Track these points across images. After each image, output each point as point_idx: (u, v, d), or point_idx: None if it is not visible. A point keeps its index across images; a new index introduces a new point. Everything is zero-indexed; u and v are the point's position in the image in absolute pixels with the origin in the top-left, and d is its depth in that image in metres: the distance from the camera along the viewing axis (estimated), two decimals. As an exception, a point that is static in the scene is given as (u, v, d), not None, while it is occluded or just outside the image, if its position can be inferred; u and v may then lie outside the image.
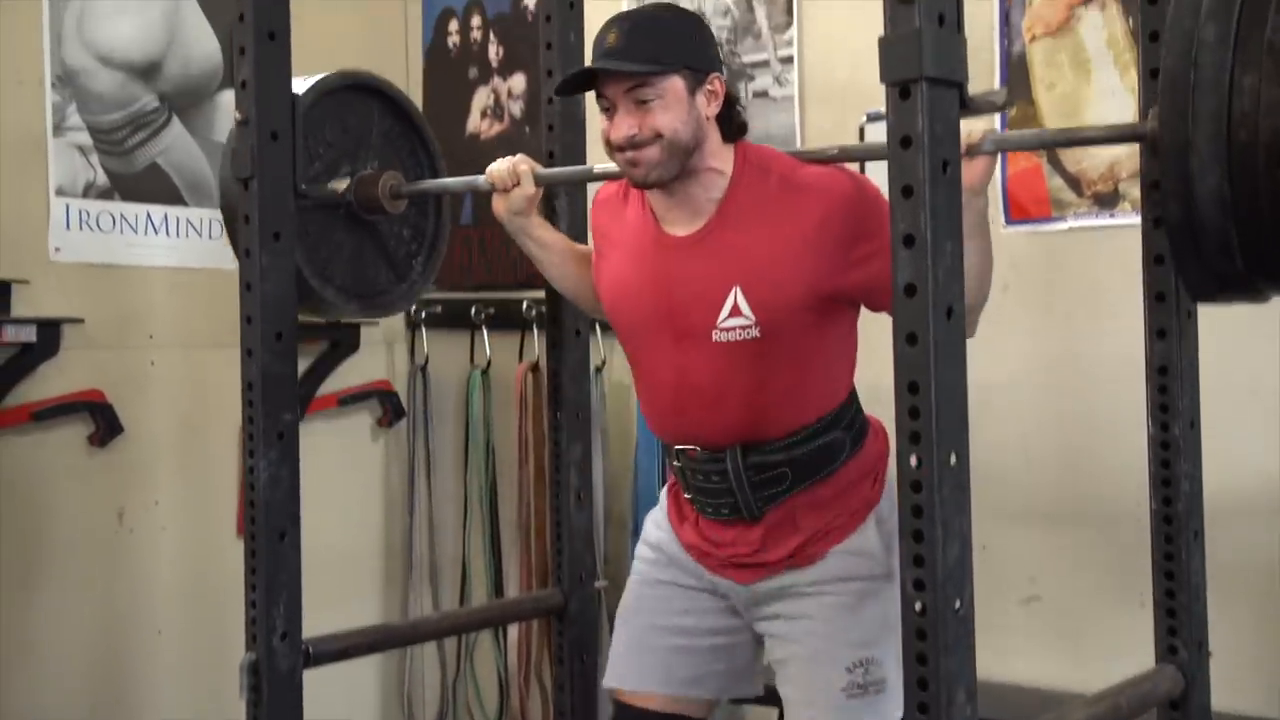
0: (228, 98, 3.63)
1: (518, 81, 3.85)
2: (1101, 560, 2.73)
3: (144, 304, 3.49)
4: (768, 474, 2.01)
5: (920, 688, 1.41)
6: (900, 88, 1.40)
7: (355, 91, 2.49)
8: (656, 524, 2.23)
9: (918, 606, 1.41)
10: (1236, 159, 1.43)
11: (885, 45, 1.41)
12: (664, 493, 2.26)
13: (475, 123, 3.94)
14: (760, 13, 3.24)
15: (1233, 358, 2.39)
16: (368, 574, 4.06)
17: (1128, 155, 2.64)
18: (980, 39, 2.79)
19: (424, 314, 3.98)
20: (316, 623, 2.26)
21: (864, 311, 2.02)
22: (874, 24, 3.06)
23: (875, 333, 1.97)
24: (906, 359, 1.40)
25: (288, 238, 2.22)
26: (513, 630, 3.69)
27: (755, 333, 1.94)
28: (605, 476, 3.50)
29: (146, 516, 3.48)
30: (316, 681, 2.25)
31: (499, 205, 2.26)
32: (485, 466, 3.85)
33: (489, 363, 3.83)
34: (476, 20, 3.94)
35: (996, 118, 2.79)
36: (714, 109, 1.97)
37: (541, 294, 3.62)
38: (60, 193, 3.33)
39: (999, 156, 2.04)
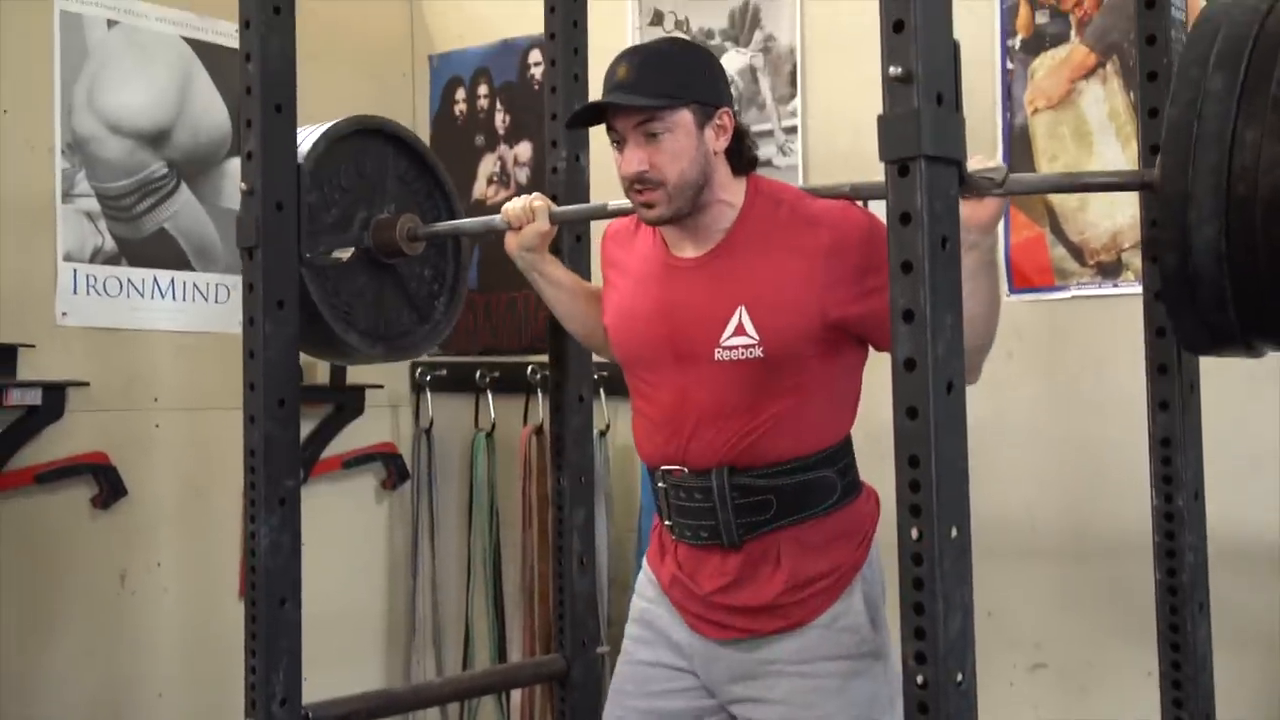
0: (236, 165, 3.67)
1: (524, 149, 3.88)
2: (1108, 627, 2.71)
3: (149, 367, 3.50)
4: (752, 499, 1.98)
5: (923, 764, 1.39)
6: (899, 166, 1.41)
7: (367, 136, 2.50)
8: (642, 588, 2.20)
9: (919, 680, 1.40)
10: (1234, 212, 1.44)
11: (884, 124, 1.43)
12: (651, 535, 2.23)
13: (482, 189, 3.97)
14: (765, 84, 3.28)
15: (1233, 426, 2.39)
16: (371, 636, 4.04)
17: (1130, 225, 2.66)
18: (983, 111, 2.82)
19: (429, 377, 3.99)
20: (319, 684, 2.26)
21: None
22: (875, 96, 3.10)
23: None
24: (907, 432, 1.41)
25: (291, 306, 2.23)
26: (515, 694, 3.67)
27: (758, 353, 1.93)
28: (609, 540, 3.50)
29: (149, 578, 3.48)
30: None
31: (511, 241, 2.28)
32: (489, 529, 3.84)
33: (493, 426, 3.84)
34: (483, 89, 3.98)
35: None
36: (722, 143, 1.98)
37: (546, 358, 3.66)
38: (68, 258, 3.35)
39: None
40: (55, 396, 3.26)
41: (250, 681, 2.18)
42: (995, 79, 2.85)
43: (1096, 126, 2.70)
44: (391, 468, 4.02)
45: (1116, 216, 2.68)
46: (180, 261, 3.57)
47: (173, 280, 3.56)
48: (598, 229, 2.47)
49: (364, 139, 2.49)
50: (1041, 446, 2.76)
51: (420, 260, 2.56)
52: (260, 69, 2.19)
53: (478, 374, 3.85)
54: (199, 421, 3.57)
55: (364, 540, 4.02)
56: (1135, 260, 2.66)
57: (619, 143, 1.99)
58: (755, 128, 3.28)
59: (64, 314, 3.34)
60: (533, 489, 3.68)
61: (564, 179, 2.56)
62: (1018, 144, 2.81)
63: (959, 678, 1.41)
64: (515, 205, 2.28)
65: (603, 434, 3.48)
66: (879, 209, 1.95)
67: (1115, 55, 2.70)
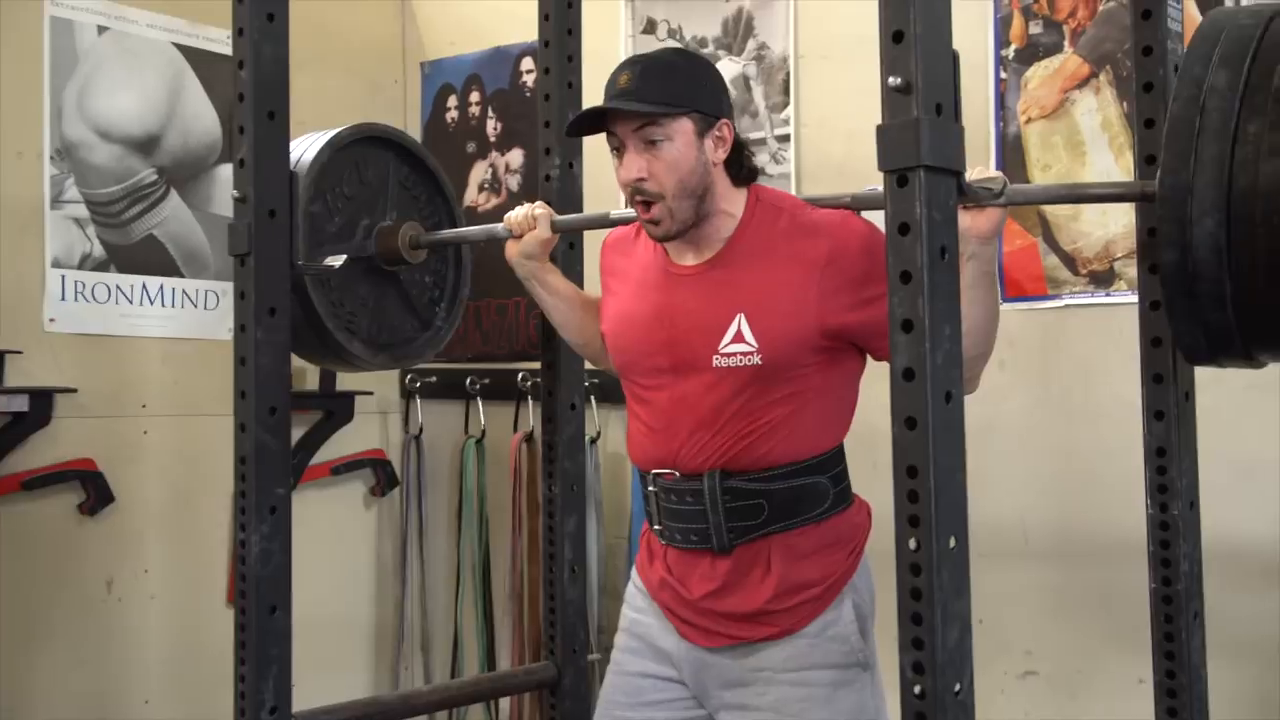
0: (226, 171, 3.66)
1: (515, 156, 3.88)
2: (1099, 636, 2.72)
3: (138, 374, 3.49)
4: (744, 503, 1.98)
5: (921, 774, 1.39)
6: (898, 176, 1.41)
7: (370, 143, 2.51)
8: (631, 597, 2.20)
9: (917, 690, 1.39)
10: (1236, 205, 1.43)
11: (883, 134, 1.42)
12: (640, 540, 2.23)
13: (473, 196, 3.96)
14: (758, 93, 3.28)
15: (1227, 436, 2.39)
16: (359, 643, 4.03)
17: (1122, 235, 2.66)
18: (976, 120, 2.83)
19: (419, 384, 3.98)
20: (306, 691, 2.24)
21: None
22: (868, 104, 3.09)
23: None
24: (905, 443, 1.40)
25: (283, 313, 2.22)
26: (504, 702, 3.65)
27: (757, 360, 1.93)
28: (600, 548, 3.49)
29: (136, 585, 3.46)
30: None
31: (512, 249, 2.29)
32: (479, 536, 3.83)
33: (483, 432, 3.83)
34: (475, 96, 3.98)
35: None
36: (722, 154, 1.99)
37: (536, 365, 3.65)
38: (56, 264, 3.34)
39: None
40: (43, 403, 3.24)
41: (240, 690, 2.17)
42: (988, 88, 2.85)
43: (1089, 136, 2.71)
44: (381, 474, 4.01)
45: (1109, 226, 2.69)
46: (169, 268, 3.56)
47: (161, 286, 3.54)
48: (591, 238, 2.47)
49: (366, 146, 2.50)
50: (1033, 454, 2.76)
51: (421, 267, 2.56)
52: (253, 76, 2.18)
53: (468, 381, 3.84)
54: (187, 428, 3.56)
55: (353, 547, 4.01)
56: (1128, 269, 2.66)
57: (618, 149, 1.99)
58: (748, 136, 3.28)
59: (52, 320, 3.33)
60: (522, 496, 3.67)
61: (557, 187, 2.55)
62: (1010, 153, 2.81)
63: (957, 688, 1.40)
64: (517, 213, 2.29)
65: (593, 441, 3.48)
66: (879, 219, 1.97)
67: (1108, 66, 2.70)
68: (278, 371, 2.21)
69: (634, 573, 2.20)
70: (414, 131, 4.14)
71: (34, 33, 3.31)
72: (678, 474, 2.02)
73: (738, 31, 3.31)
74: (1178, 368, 1.87)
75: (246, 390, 2.19)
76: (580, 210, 2.58)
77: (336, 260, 2.40)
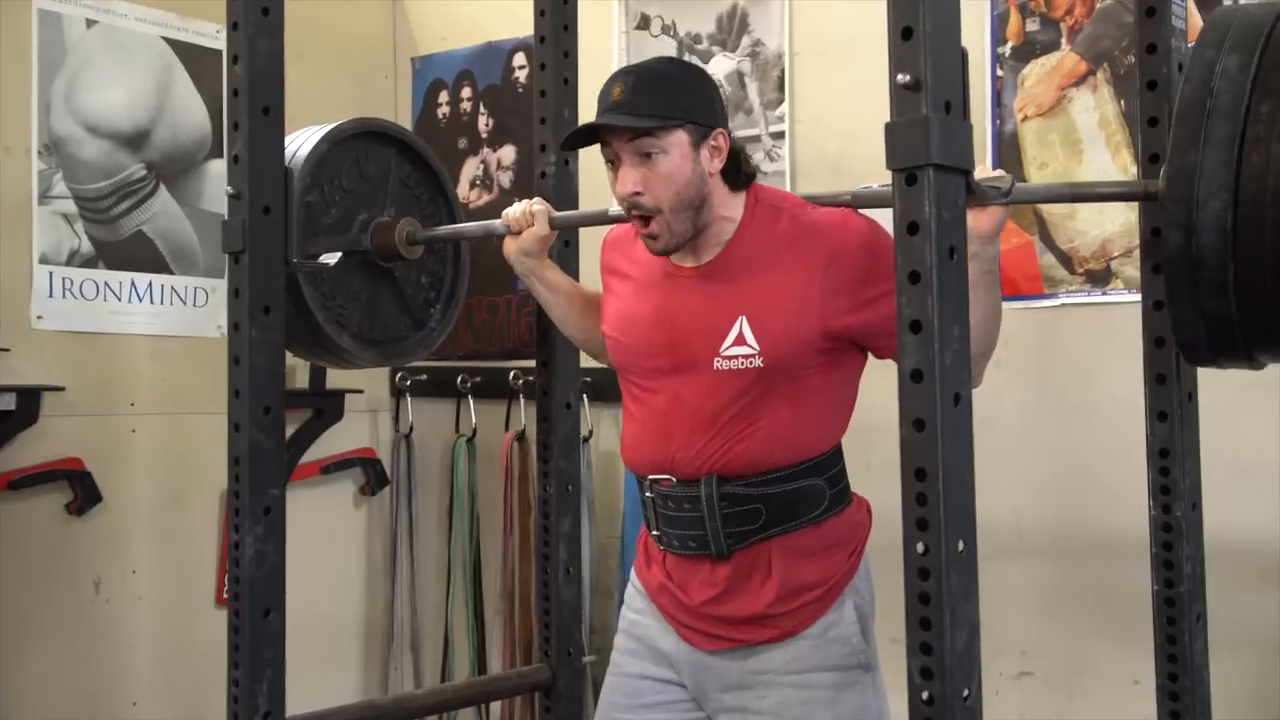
0: (216, 167, 3.63)
1: (507, 153, 3.86)
2: (1096, 636, 2.71)
3: (126, 372, 3.46)
4: (741, 508, 1.97)
5: (929, 779, 1.38)
6: (907, 174, 1.40)
7: (372, 139, 2.49)
8: (630, 599, 2.18)
9: (925, 695, 1.38)
10: (1245, 184, 1.41)
11: (892, 132, 1.41)
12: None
13: (465, 192, 3.94)
14: (752, 89, 3.27)
15: (1226, 434, 2.39)
16: (348, 643, 4.00)
17: (1119, 233, 2.66)
18: (972, 118, 2.82)
19: (409, 382, 3.96)
20: (295, 692, 2.22)
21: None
22: (864, 101, 3.09)
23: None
24: (913, 445, 1.39)
25: (277, 312, 2.20)
26: (495, 703, 3.64)
27: (758, 363, 1.92)
28: (592, 547, 3.48)
29: (123, 586, 3.44)
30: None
31: (510, 246, 2.27)
32: (470, 536, 3.81)
33: (474, 431, 3.81)
34: (467, 91, 3.96)
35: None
36: (718, 164, 1.97)
37: (528, 363, 3.63)
38: (44, 260, 3.31)
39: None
40: (30, 401, 3.21)
41: (233, 693, 2.15)
42: (985, 86, 2.84)
43: (1086, 134, 2.70)
44: (371, 473, 3.99)
45: (1106, 225, 2.68)
46: (158, 264, 3.53)
47: (150, 283, 3.51)
48: (586, 234, 2.45)
49: (368, 141, 2.48)
50: (1029, 453, 2.75)
51: (418, 267, 2.55)
52: (248, 71, 2.16)
53: (459, 379, 3.82)
54: (176, 426, 3.53)
55: (342, 546, 3.99)
56: (1124, 268, 2.66)
57: (613, 162, 1.97)
58: (742, 133, 3.27)
59: (39, 317, 3.30)
60: (514, 495, 3.65)
61: (553, 184, 2.54)
62: (1007, 151, 2.80)
63: (965, 693, 1.39)
64: (515, 210, 2.27)
65: (586, 440, 3.46)
66: (879, 216, 1.96)
67: (1106, 63, 2.70)
68: (272, 370, 2.19)
69: (633, 574, 2.19)
70: (405, 127, 4.12)
71: (22, 26, 3.28)
72: (674, 479, 2.01)
73: (732, 28, 3.30)
74: (1180, 368, 1.86)
75: (241, 389, 2.18)
76: (576, 208, 2.57)
77: (331, 258, 2.39)
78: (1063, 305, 2.75)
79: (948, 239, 1.40)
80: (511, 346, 3.77)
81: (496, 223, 2.31)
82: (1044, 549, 2.75)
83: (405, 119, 4.11)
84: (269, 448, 2.18)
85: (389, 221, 2.46)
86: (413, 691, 3.59)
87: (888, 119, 1.42)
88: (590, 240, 2.37)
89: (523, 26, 2.57)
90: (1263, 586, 2.49)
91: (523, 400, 3.65)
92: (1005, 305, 2.78)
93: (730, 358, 1.94)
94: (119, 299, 3.45)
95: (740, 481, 1.96)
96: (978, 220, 1.73)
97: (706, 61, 3.34)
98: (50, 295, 3.32)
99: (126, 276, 3.47)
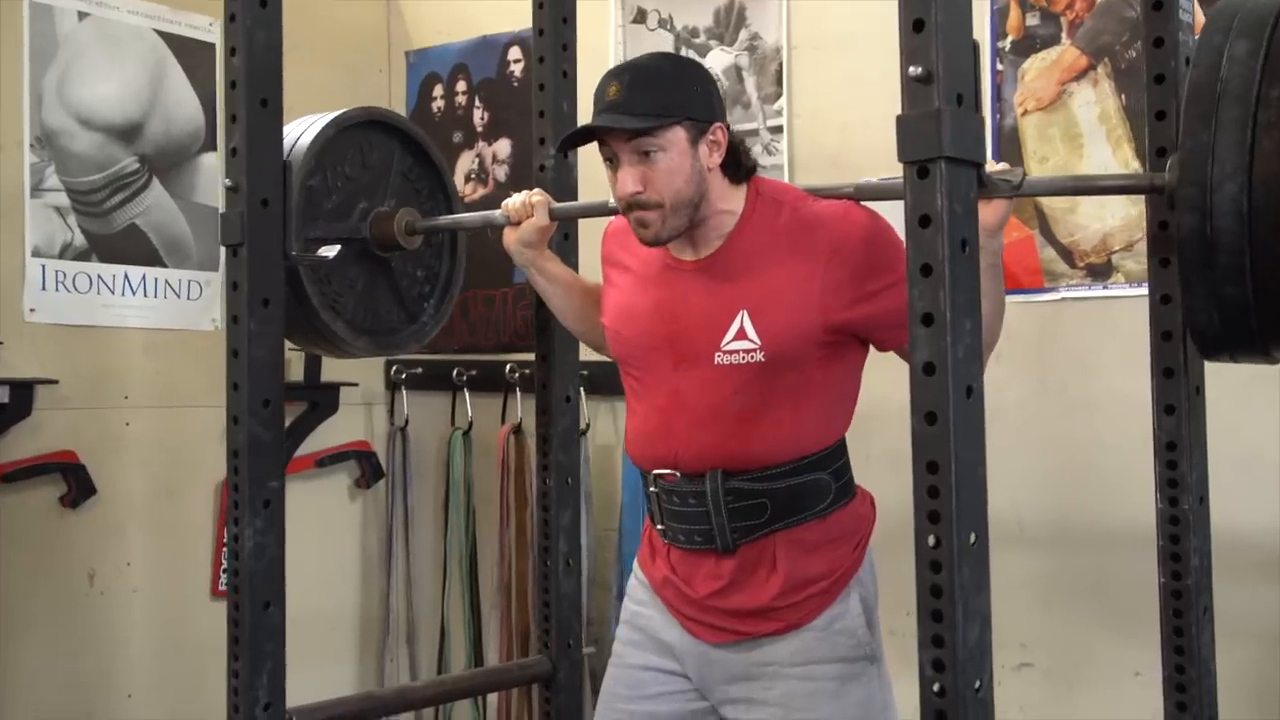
0: (209, 160, 3.62)
1: (502, 146, 3.85)
2: (1096, 628, 2.72)
3: (120, 365, 3.45)
4: (746, 503, 1.96)
5: (940, 772, 1.38)
6: (918, 167, 1.40)
7: (378, 129, 2.49)
8: (633, 590, 2.18)
9: (936, 687, 1.39)
10: (1259, 168, 1.40)
11: (904, 124, 1.41)
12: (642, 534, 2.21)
13: (460, 186, 3.93)
14: (750, 83, 3.26)
15: (1229, 431, 2.39)
16: (344, 636, 4.00)
17: (1120, 227, 2.66)
18: (974, 111, 2.82)
19: (404, 375, 3.95)
20: (291, 685, 2.21)
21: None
22: (862, 95, 3.10)
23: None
24: (925, 438, 1.39)
25: (276, 304, 2.19)
26: (492, 695, 3.63)
27: (760, 357, 1.92)
28: (589, 539, 3.47)
29: (118, 578, 3.42)
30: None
31: (510, 237, 2.26)
32: (466, 529, 3.81)
33: (470, 424, 3.80)
34: (462, 85, 3.94)
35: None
36: (716, 159, 1.96)
37: (525, 357, 3.63)
38: (37, 253, 3.29)
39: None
40: (23, 394, 3.20)
41: (233, 686, 2.14)
42: (985, 80, 2.84)
43: (1087, 129, 2.70)
44: (366, 466, 3.98)
45: (1106, 219, 2.68)
46: (151, 258, 3.51)
47: (144, 277, 3.50)
48: (585, 227, 2.45)
49: (373, 131, 2.48)
50: (1030, 447, 2.76)
51: (415, 259, 2.54)
52: (246, 63, 2.15)
53: (454, 372, 3.81)
54: (170, 420, 3.52)
55: (338, 539, 3.98)
56: (1125, 262, 2.66)
57: (611, 161, 1.97)
58: (740, 127, 3.26)
59: (32, 310, 3.28)
60: (510, 488, 3.65)
61: (552, 177, 2.53)
62: (1007, 145, 2.80)
63: (977, 685, 1.40)
64: (515, 200, 2.26)
65: (583, 433, 3.46)
66: (880, 208, 1.96)
67: (1106, 58, 2.70)
68: (271, 363, 2.18)
69: (635, 565, 2.19)
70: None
71: (13, 18, 3.26)
72: (678, 474, 2.01)
73: (730, 22, 3.29)
74: (1188, 362, 1.86)
75: (239, 382, 2.16)
76: (576, 200, 2.56)
77: (330, 251, 2.37)
78: (1063, 299, 2.76)
79: (960, 232, 1.40)
80: (508, 340, 3.77)
81: (496, 213, 2.30)
82: (1044, 541, 2.75)
83: (399, 113, 4.09)
84: (268, 440, 2.17)
85: (388, 211, 2.45)
86: (413, 683, 3.60)
87: (886, 112, 1.42)
88: (590, 233, 2.36)
89: (518, 20, 2.56)
90: (1263, 579, 2.50)
91: (519, 393, 3.65)
92: (1005, 299, 2.80)
93: (731, 352, 1.94)
94: (112, 292, 3.44)
95: (745, 476, 1.96)
96: (983, 213, 1.73)
97: (704, 55, 3.33)
98: (43, 288, 3.30)
99: (120, 270, 3.45)
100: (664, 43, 3.37)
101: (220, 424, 2.90)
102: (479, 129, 3.90)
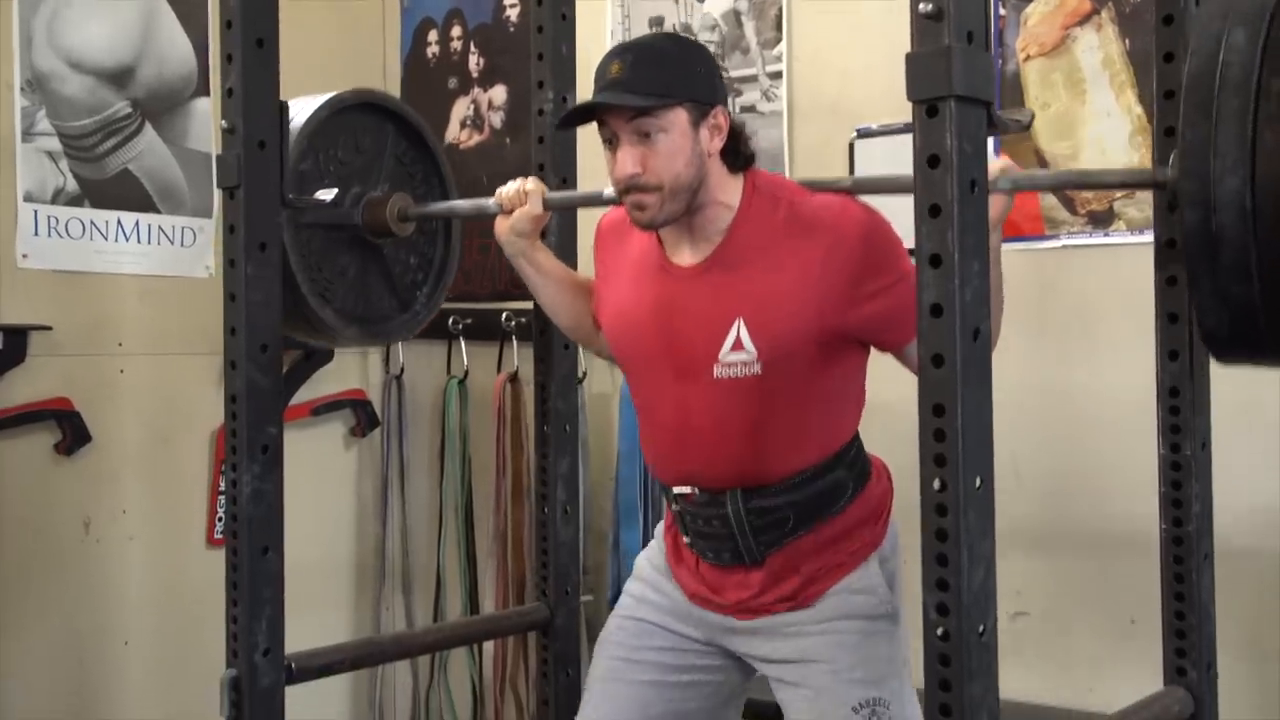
0: (202, 105, 3.58)
1: (498, 92, 3.81)
2: (1091, 578, 2.73)
3: (114, 311, 3.42)
4: (770, 518, 1.97)
5: (943, 714, 1.38)
6: (928, 106, 1.38)
7: (371, 112, 2.46)
8: (653, 566, 2.17)
9: (940, 631, 1.39)
10: (1262, 163, 1.37)
11: (913, 62, 1.39)
12: (659, 532, 2.20)
13: (454, 133, 3.90)
14: (749, 28, 3.22)
15: (1230, 381, 2.39)
16: (339, 585, 4.00)
17: (1122, 175, 2.64)
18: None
19: (399, 324, 3.93)
20: (287, 632, 2.22)
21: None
22: (862, 41, 3.07)
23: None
24: (932, 381, 1.38)
25: (274, 248, 2.18)
26: (488, 643, 3.65)
27: (757, 369, 1.90)
28: (585, 488, 3.47)
29: (114, 526, 3.42)
30: (287, 691, 2.21)
31: (502, 225, 2.22)
32: (461, 477, 3.80)
33: (466, 373, 3.79)
34: (457, 30, 3.90)
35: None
36: (717, 144, 1.92)
37: (520, 305, 3.61)
38: (29, 198, 3.26)
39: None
40: (16, 340, 3.18)
41: (232, 631, 2.15)
42: (987, 25, 2.81)
43: (1090, 74, 2.68)
44: (361, 415, 3.97)
45: (1108, 165, 2.66)
46: (145, 203, 3.48)
47: (137, 223, 3.47)
48: (584, 225, 2.43)
49: (366, 114, 2.45)
50: (1028, 395, 2.75)
51: (408, 246, 2.52)
52: (241, 2, 2.12)
53: (450, 320, 3.79)
54: (165, 367, 3.50)
55: (333, 488, 3.98)
56: (1127, 209, 2.65)
57: (611, 141, 1.93)
58: (739, 72, 3.23)
59: (24, 256, 3.25)
60: (506, 437, 3.64)
61: (551, 121, 2.51)
62: (1009, 91, 2.78)
63: (981, 629, 1.40)
64: (508, 188, 2.22)
65: (580, 381, 3.44)
66: (877, 202, 1.93)
67: (1110, 2, 2.67)
68: (269, 308, 2.17)
69: (657, 547, 2.18)
70: (393, 67, 4.06)
71: (3, -41, 3.22)
72: (698, 492, 2.00)
73: (730, -35, 3.25)
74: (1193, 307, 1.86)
75: (237, 327, 2.15)
76: (573, 148, 2.54)
77: (328, 194, 2.36)
78: (1064, 247, 2.74)
79: (969, 172, 1.38)
80: (504, 288, 3.74)
81: (489, 201, 2.26)
82: (1041, 490, 2.76)
83: (393, 59, 4.06)
84: (266, 386, 2.17)
85: (381, 197, 2.42)
86: (411, 629, 3.61)
87: (887, 57, 1.40)
88: (587, 225, 2.34)
89: (515, -38, 2.52)
90: (1257, 530, 2.50)
91: (515, 342, 3.63)
92: (1005, 247, 2.77)
93: (729, 365, 1.91)
94: (105, 238, 3.41)
95: (766, 492, 1.96)
96: None
97: (702, 0, 3.30)
98: (35, 234, 3.27)
99: (113, 215, 3.42)
100: (662, -13, 3.34)
101: (215, 372, 2.88)
102: (474, 75, 3.86)
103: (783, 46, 3.16)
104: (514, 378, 3.64)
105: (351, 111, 2.41)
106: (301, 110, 2.33)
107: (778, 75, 3.17)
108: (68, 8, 3.32)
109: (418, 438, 3.99)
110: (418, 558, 4.00)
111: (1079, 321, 2.73)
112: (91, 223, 3.38)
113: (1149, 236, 2.04)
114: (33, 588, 3.25)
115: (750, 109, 3.21)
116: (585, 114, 1.97)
